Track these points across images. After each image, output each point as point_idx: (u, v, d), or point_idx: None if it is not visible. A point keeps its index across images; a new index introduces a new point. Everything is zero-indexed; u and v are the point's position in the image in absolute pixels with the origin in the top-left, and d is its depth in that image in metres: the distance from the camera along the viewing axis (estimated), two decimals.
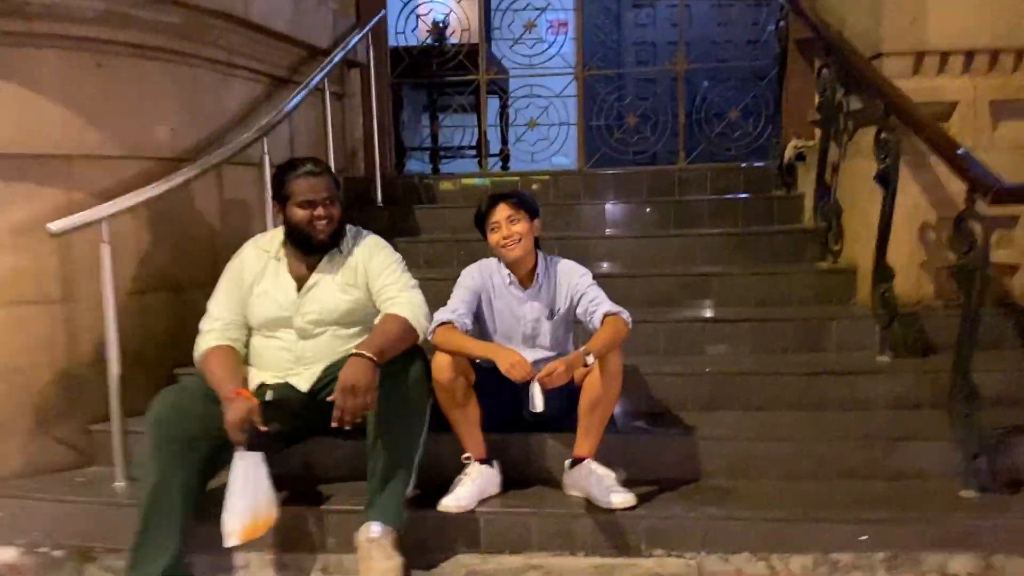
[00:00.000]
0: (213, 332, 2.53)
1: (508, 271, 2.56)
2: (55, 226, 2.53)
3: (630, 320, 2.40)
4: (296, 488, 2.56)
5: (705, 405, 2.86)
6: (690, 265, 3.62)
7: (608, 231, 3.97)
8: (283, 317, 2.53)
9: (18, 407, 2.74)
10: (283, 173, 2.52)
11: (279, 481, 2.34)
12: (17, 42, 2.67)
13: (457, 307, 2.47)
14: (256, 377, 2.54)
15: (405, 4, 4.81)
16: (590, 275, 2.55)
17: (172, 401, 2.36)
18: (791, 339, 3.12)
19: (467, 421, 2.43)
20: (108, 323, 2.62)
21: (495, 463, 2.50)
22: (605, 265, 3.69)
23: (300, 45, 3.78)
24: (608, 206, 4.04)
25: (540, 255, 2.59)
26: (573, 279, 2.53)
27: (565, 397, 2.38)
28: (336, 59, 3.75)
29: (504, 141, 5.47)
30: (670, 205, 4.02)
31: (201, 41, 3.14)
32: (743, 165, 4.33)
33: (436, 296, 2.56)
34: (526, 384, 2.22)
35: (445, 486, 2.44)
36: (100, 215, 2.59)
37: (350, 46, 3.93)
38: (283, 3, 3.58)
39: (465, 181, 4.45)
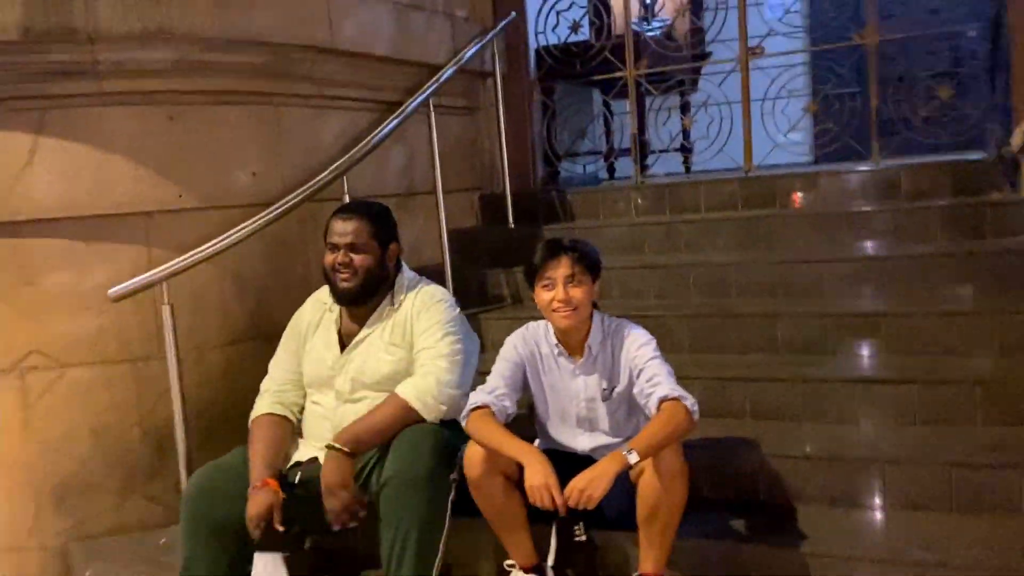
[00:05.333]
0: (266, 396, 2.39)
1: (556, 339, 2.11)
2: (114, 292, 2.50)
3: (695, 407, 1.87)
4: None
5: (841, 499, 2.21)
6: (854, 299, 2.88)
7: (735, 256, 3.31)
8: (326, 377, 2.31)
9: (107, 466, 2.77)
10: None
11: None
12: (88, 102, 2.66)
13: (496, 386, 2.07)
14: (301, 451, 2.34)
15: (544, 1, 4.38)
16: (653, 344, 2.03)
17: (202, 480, 2.23)
18: (985, 412, 2.34)
19: (507, 524, 2.03)
20: (173, 386, 2.56)
21: (549, 570, 2.08)
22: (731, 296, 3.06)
23: (411, 64, 3.54)
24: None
25: (597, 319, 2.11)
26: (631, 350, 2.03)
27: (625, 493, 1.92)
28: (445, 76, 3.46)
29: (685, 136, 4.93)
30: (841, 218, 3.26)
31: (284, 78, 3.00)
32: (946, 159, 3.41)
33: None
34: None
35: None
36: (158, 277, 2.53)
37: (464, 59, 3.61)
38: (380, 25, 3.35)
39: (610, 194, 3.97)
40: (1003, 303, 2.63)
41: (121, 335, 2.76)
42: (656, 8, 5.55)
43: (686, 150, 5.30)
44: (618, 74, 4.21)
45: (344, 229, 2.25)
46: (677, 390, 1.89)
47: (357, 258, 2.23)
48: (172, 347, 2.55)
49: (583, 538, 1.79)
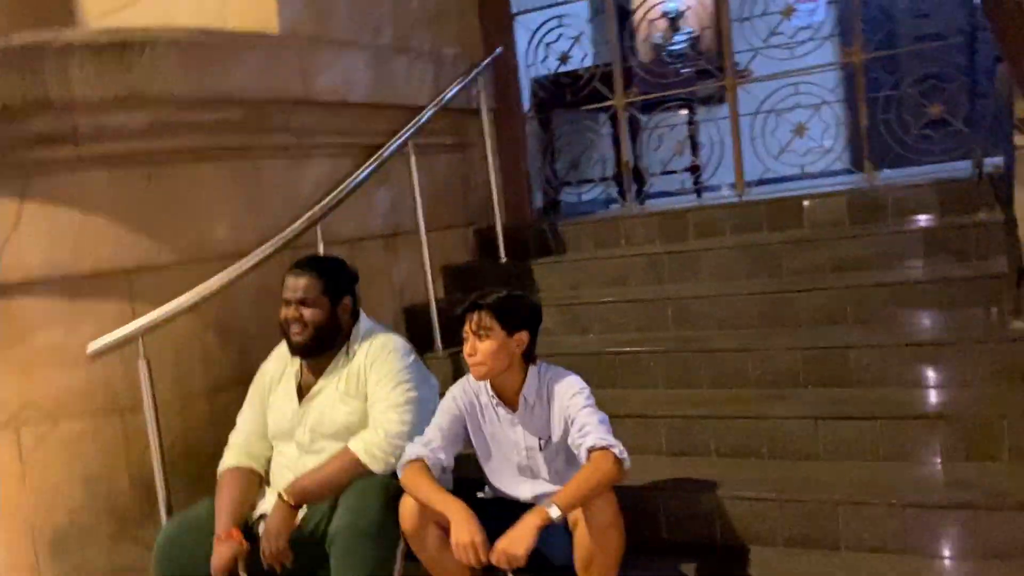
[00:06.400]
0: (233, 448, 2.48)
1: (492, 390, 2.14)
2: (92, 349, 2.61)
3: (624, 453, 1.87)
4: None
5: (794, 541, 2.18)
6: (822, 333, 2.84)
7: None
8: (287, 428, 2.38)
9: (100, 513, 2.87)
10: None
11: None
12: (68, 167, 2.78)
13: (432, 439, 2.10)
14: (267, 499, 2.40)
15: (533, 35, 4.42)
16: (586, 393, 2.04)
17: (170, 534, 2.33)
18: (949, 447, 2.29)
19: (447, 574, 2.05)
20: (151, 438, 2.64)
21: None
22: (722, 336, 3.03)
23: (393, 108, 3.60)
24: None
25: (533, 370, 2.13)
26: (564, 400, 2.04)
27: (569, 540, 1.94)
28: (424, 118, 3.51)
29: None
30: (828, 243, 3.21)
31: (260, 131, 3.09)
32: (934, 178, 3.33)
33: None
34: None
35: None
36: (135, 332, 2.62)
37: (446, 99, 3.66)
38: (356, 73, 3.42)
39: (599, 225, 3.97)
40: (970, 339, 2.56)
41: (108, 387, 2.86)
42: (679, 22, 5.59)
43: (696, 169, 5.28)
44: (607, 103, 4.23)
45: (296, 285, 2.32)
46: (606, 439, 1.89)
47: (307, 312, 2.30)
48: (150, 400, 2.63)
49: None
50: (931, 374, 2.52)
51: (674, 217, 3.72)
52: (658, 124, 4.52)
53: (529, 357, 2.12)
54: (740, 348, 2.80)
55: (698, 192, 5.01)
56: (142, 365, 2.63)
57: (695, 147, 5.42)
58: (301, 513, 2.21)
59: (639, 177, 4.47)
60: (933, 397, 2.45)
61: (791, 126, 3.96)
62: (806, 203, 3.48)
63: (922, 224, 3.13)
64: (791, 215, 3.47)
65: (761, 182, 4.05)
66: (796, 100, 3.96)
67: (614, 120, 4.34)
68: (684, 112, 5.30)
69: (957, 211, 3.15)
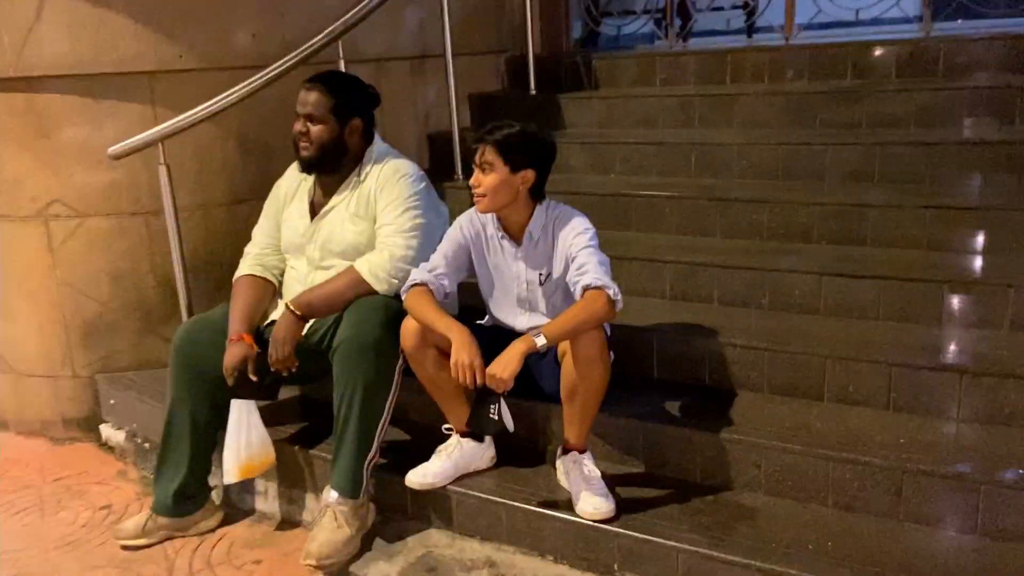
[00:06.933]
0: (247, 259, 2.56)
1: (499, 223, 2.15)
2: (113, 151, 2.66)
3: (618, 295, 1.90)
4: (311, 424, 2.56)
5: (780, 389, 2.25)
6: (845, 190, 2.77)
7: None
8: (298, 244, 2.45)
9: (125, 308, 3.04)
10: None
11: (302, 409, 2.59)
12: None
13: (436, 265, 2.14)
14: (279, 310, 2.50)
15: None
16: (590, 234, 2.04)
17: (188, 331, 2.44)
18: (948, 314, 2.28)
19: (442, 394, 2.17)
20: (172, 241, 2.75)
21: (486, 437, 2.22)
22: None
23: None
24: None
25: (540, 208, 2.12)
26: (568, 238, 2.05)
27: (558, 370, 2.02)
28: None
29: None
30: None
31: None
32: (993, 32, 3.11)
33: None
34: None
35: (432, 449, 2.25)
36: (155, 137, 2.65)
37: None
38: None
39: (636, 61, 3.81)
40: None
41: (132, 189, 2.94)
42: None
43: (746, 7, 4.99)
44: None
45: (305, 99, 2.31)
46: (602, 280, 1.91)
47: (314, 129, 2.29)
48: (170, 205, 2.71)
49: (495, 417, 1.89)
50: (947, 239, 2.47)
51: (713, 58, 3.56)
52: None
53: (536, 194, 2.11)
54: (757, 199, 2.75)
55: (749, 33, 4.74)
56: (162, 170, 2.68)
57: None
58: (308, 325, 2.31)
59: (684, 12, 4.23)
60: (944, 261, 2.41)
61: None
62: (853, 52, 3.29)
63: (971, 83, 2.96)
64: (836, 64, 3.30)
65: (811, 26, 3.82)
66: None
67: None
68: None
69: (1012, 70, 2.97)
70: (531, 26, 3.83)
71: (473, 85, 3.85)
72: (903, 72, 3.19)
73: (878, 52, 3.24)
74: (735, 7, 4.64)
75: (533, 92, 3.83)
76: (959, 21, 3.73)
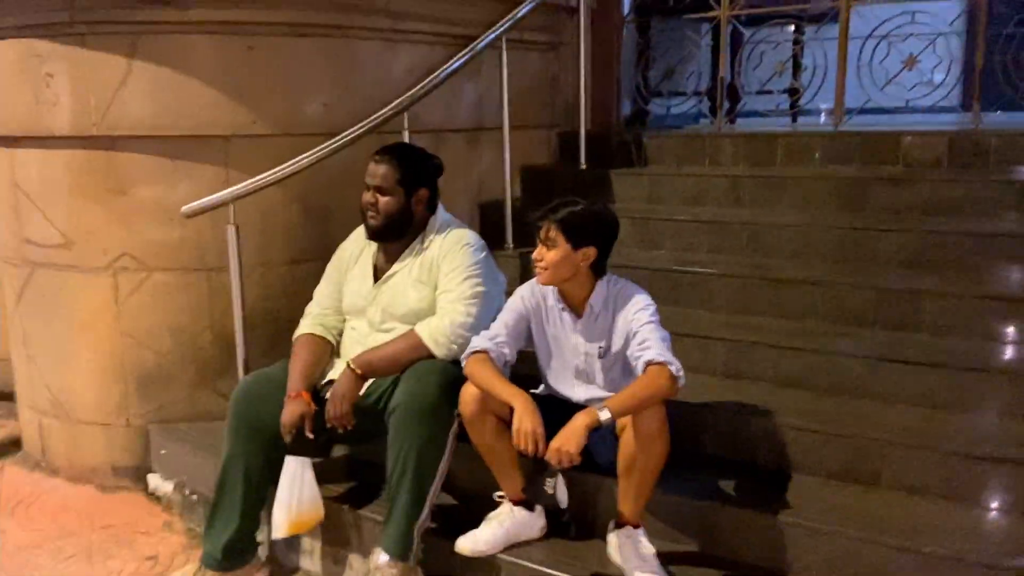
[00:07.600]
0: (308, 318, 2.63)
1: (560, 295, 2.20)
2: (186, 209, 2.77)
3: (680, 371, 1.93)
4: (358, 484, 2.58)
5: (836, 473, 2.24)
6: (898, 276, 2.79)
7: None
8: (360, 306, 2.52)
9: (182, 361, 3.11)
10: None
11: (348, 468, 2.61)
12: (175, 29, 2.88)
13: (498, 333, 2.19)
14: (336, 369, 2.56)
15: None
16: (652, 309, 2.08)
17: (248, 386, 2.50)
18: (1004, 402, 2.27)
19: (498, 461, 2.19)
20: (235, 298, 2.82)
21: (537, 506, 2.23)
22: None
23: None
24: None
25: (602, 282, 2.17)
26: (630, 313, 2.09)
27: (615, 444, 2.04)
28: (522, 12, 3.46)
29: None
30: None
31: (357, 10, 3.12)
32: None
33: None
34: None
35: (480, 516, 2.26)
36: (227, 198, 2.76)
37: None
38: None
39: (684, 140, 3.90)
40: None
41: (198, 246, 3.04)
42: None
43: (795, 92, 5.09)
44: (712, 13, 4.09)
45: (375, 171, 2.40)
46: (665, 356, 1.95)
47: (382, 200, 2.38)
48: (236, 263, 2.80)
49: (551, 492, 1.90)
50: (1002, 329, 2.48)
51: (763, 140, 3.63)
52: (762, 40, 4.35)
53: (598, 269, 2.16)
54: (810, 280, 2.78)
55: (794, 116, 4.84)
56: (231, 230, 2.78)
57: (796, 68, 5.20)
58: (366, 385, 2.36)
59: (733, 94, 4.34)
60: (1000, 352, 2.42)
61: (901, 56, 3.76)
62: (904, 139, 3.34)
63: (1022, 175, 2.99)
64: (887, 150, 3.35)
65: (860, 111, 3.90)
66: (911, 29, 3.76)
67: (716, 31, 4.19)
68: (790, 29, 5.07)
69: None
70: (583, 103, 3.95)
71: (525, 157, 3.96)
72: (954, 161, 3.24)
73: (929, 141, 3.29)
74: (784, 91, 4.74)
75: (583, 166, 3.93)
76: (999, 113, 3.78)
